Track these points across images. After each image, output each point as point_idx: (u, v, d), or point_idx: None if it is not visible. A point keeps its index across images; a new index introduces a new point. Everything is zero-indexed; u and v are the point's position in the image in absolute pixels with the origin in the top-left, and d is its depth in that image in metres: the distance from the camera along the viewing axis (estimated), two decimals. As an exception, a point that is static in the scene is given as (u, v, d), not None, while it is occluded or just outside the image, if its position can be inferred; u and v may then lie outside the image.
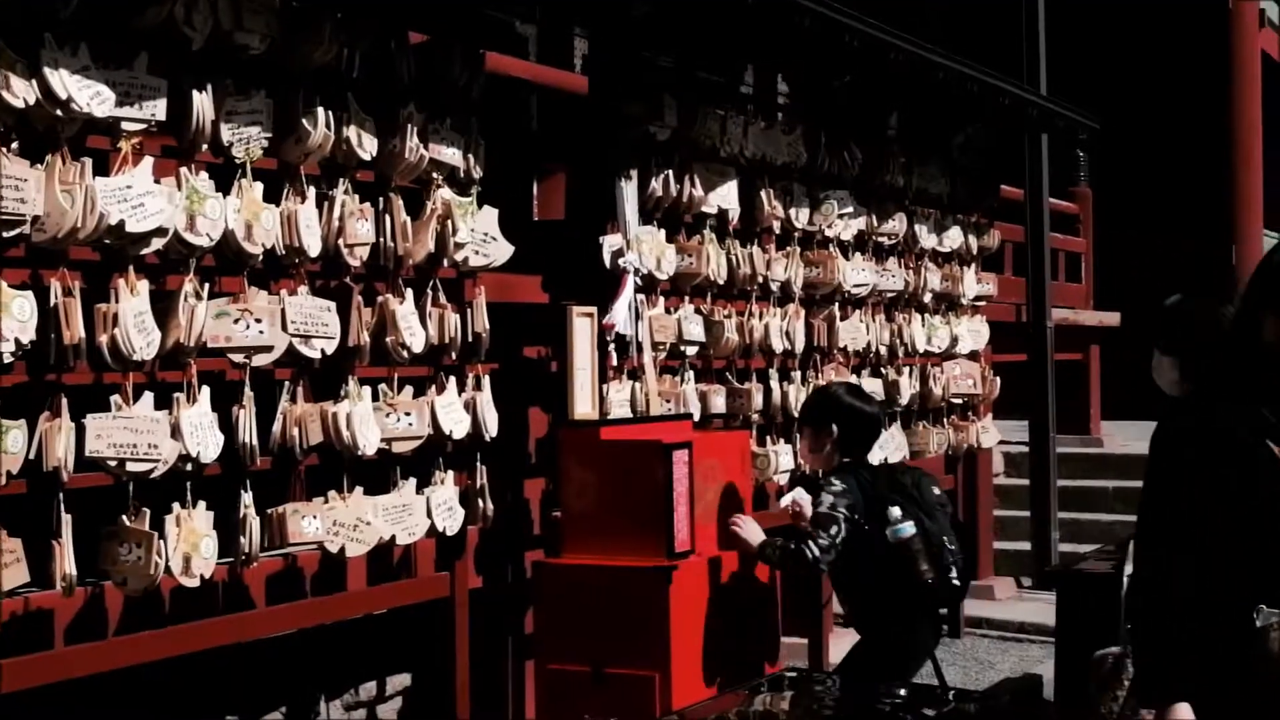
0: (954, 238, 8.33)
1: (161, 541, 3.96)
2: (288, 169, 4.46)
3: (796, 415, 6.06)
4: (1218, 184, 13.84)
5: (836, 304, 7.15)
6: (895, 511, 4.96)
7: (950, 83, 6.92)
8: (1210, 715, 2.91)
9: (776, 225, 6.81)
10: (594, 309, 5.64)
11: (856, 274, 7.23)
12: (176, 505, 4.07)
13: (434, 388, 5.00)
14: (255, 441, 4.29)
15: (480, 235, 5.06)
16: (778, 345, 6.65)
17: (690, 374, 6.23)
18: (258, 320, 4.26)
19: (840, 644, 7.77)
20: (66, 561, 3.80)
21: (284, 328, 4.33)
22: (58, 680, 4.10)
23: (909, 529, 4.95)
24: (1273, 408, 2.91)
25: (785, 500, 5.53)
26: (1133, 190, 13.75)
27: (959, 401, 8.42)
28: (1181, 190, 14.09)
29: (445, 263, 4.97)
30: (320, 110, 4.42)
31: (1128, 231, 12.84)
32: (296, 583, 4.87)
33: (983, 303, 8.78)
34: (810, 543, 4.91)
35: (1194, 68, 13.96)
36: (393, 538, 4.81)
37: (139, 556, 3.95)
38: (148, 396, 4.00)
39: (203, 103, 4.09)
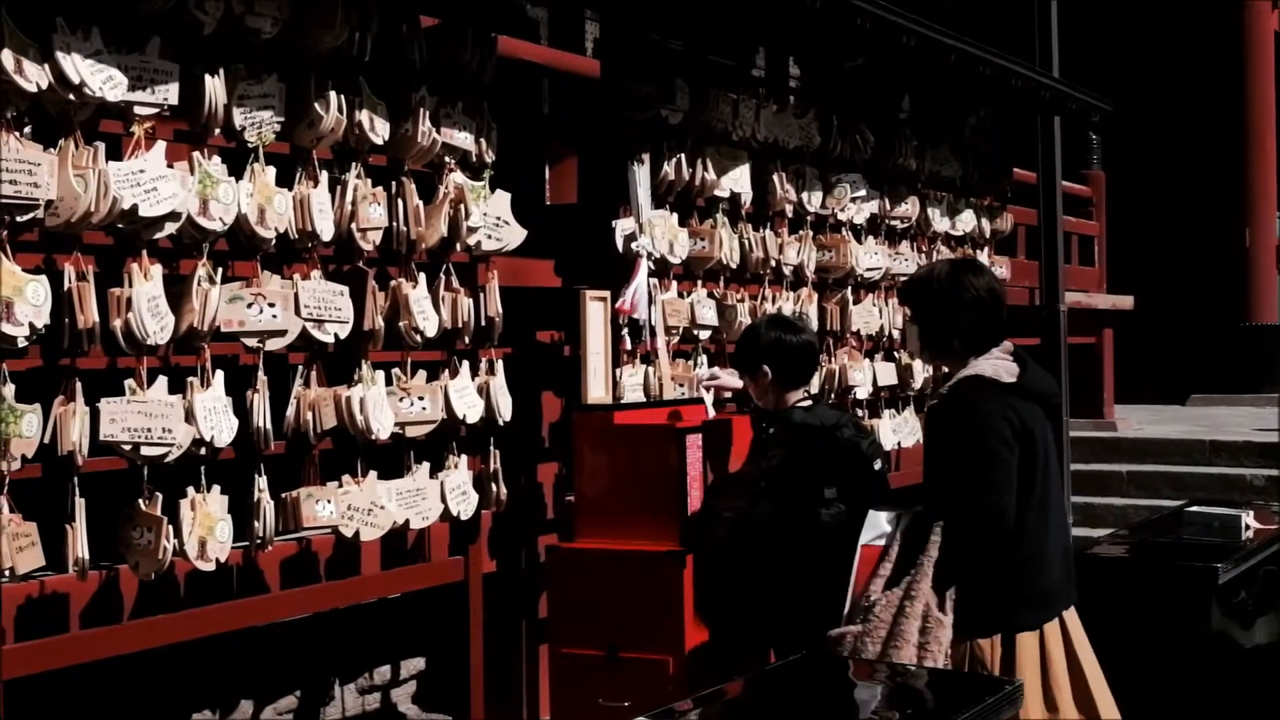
0: (967, 221, 8.31)
1: (170, 526, 3.97)
2: (300, 153, 4.46)
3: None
4: (1231, 166, 13.80)
5: (849, 288, 7.14)
6: (830, 491, 4.63)
7: (962, 65, 6.89)
8: None
9: (789, 209, 6.80)
10: (607, 293, 5.63)
11: (869, 258, 7.21)
12: (191, 489, 4.08)
13: (447, 372, 5.00)
14: (269, 426, 4.29)
15: (493, 219, 5.05)
16: (790, 329, 6.62)
17: (703, 358, 6.22)
18: (271, 305, 4.26)
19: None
20: (80, 545, 3.81)
21: (297, 312, 4.33)
22: (72, 664, 4.11)
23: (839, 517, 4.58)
24: None
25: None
26: (1146, 173, 13.70)
27: (972, 385, 8.38)
28: (1195, 173, 14.04)
29: (458, 247, 4.96)
30: (332, 94, 4.42)
31: (1141, 214, 12.79)
32: (311, 567, 4.87)
33: (996, 286, 8.75)
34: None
35: (1207, 49, 13.91)
36: (406, 522, 4.81)
37: (149, 540, 3.95)
38: (162, 381, 4.00)
39: (215, 87, 4.09)
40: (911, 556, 3.98)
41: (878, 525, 4.19)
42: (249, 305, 4.22)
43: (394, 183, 4.76)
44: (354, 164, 4.61)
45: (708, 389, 5.28)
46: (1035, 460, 3.94)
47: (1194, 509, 5.70)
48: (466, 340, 5.05)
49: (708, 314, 6.18)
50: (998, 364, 4.00)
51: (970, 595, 3.90)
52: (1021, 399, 3.97)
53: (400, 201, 4.75)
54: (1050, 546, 3.99)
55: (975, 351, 4.04)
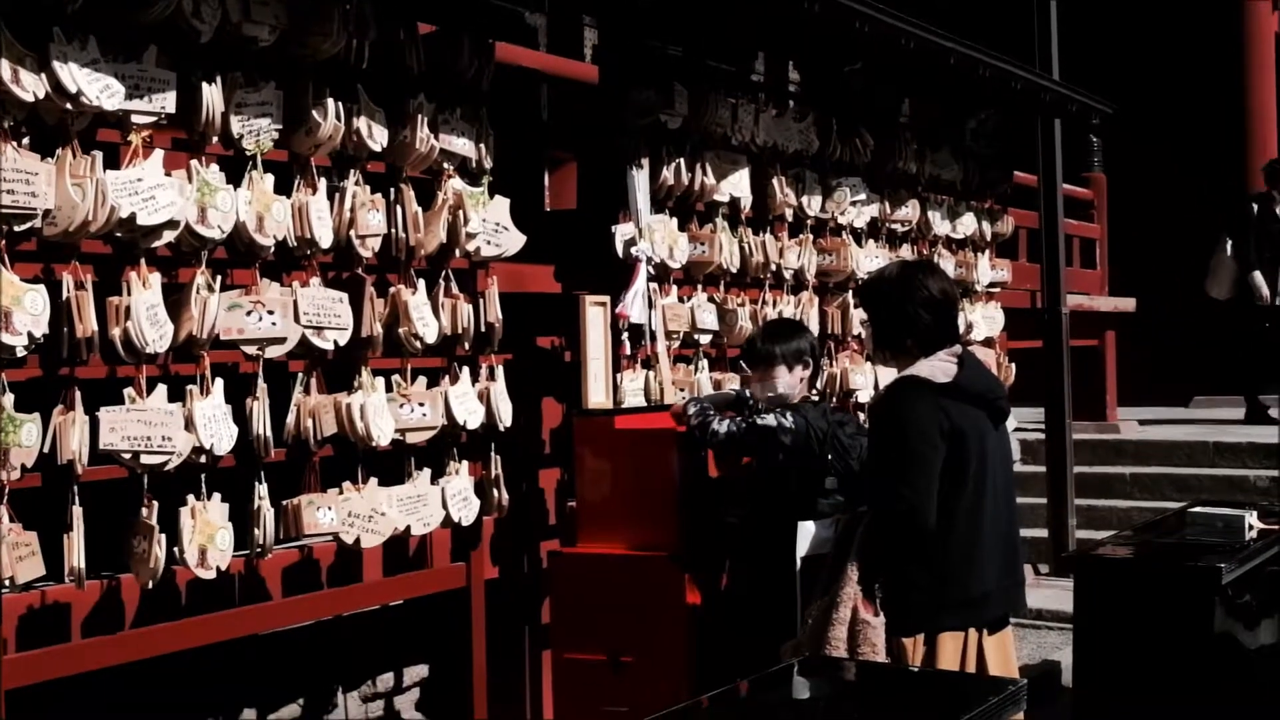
0: (967, 224, 8.30)
1: (162, 535, 3.97)
2: (298, 160, 4.46)
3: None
4: (1232, 168, 13.78)
5: (850, 291, 7.13)
6: (830, 482, 4.77)
7: (962, 68, 6.88)
8: None
9: (789, 213, 6.80)
10: (607, 298, 5.63)
11: (870, 261, 7.20)
12: (191, 497, 4.08)
13: (447, 378, 5.00)
14: (269, 433, 4.29)
15: (492, 225, 5.05)
16: (791, 333, 6.61)
17: (704, 363, 6.22)
18: (270, 312, 4.26)
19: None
20: (76, 555, 3.81)
21: (296, 319, 4.33)
22: (73, 673, 4.11)
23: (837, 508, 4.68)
24: None
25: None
26: (1147, 175, 13.68)
27: (974, 388, 8.37)
28: (1196, 174, 14.02)
29: (457, 253, 4.96)
30: (330, 101, 4.42)
31: (1143, 216, 12.76)
32: (312, 574, 4.87)
33: (997, 289, 8.75)
34: (724, 421, 4.86)
35: (1208, 51, 13.90)
36: (408, 528, 4.81)
37: (143, 549, 3.95)
38: (161, 389, 4.00)
39: (212, 95, 4.09)
40: (841, 561, 4.03)
41: (815, 535, 4.36)
42: (248, 313, 4.22)
43: (392, 189, 4.77)
44: (352, 171, 4.61)
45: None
46: (966, 461, 3.93)
47: (1197, 510, 5.68)
48: (466, 346, 5.05)
49: (708, 318, 6.18)
50: (935, 365, 4.01)
51: (895, 593, 3.93)
52: (955, 400, 3.97)
53: (399, 208, 4.75)
54: (983, 550, 3.98)
55: (926, 351, 4.05)
